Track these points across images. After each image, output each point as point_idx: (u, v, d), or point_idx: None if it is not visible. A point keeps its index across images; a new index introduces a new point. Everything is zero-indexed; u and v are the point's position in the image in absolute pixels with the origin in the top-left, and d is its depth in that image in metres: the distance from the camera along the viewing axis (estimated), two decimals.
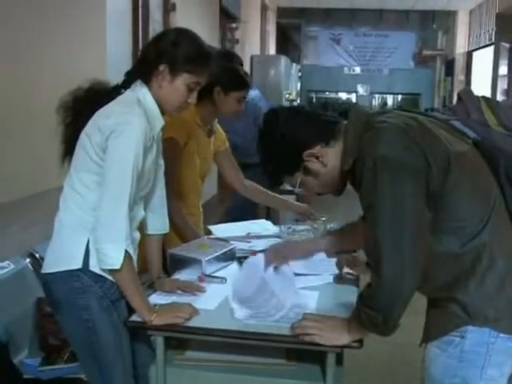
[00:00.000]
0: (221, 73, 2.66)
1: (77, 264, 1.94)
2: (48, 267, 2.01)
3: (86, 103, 2.01)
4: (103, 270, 1.94)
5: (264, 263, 2.08)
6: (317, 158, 1.82)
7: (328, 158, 1.82)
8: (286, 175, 1.90)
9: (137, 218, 2.08)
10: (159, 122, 2.05)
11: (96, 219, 1.89)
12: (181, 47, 1.98)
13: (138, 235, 2.11)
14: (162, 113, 2.06)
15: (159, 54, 1.98)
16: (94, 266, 1.94)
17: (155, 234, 2.27)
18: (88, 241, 1.94)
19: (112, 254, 1.87)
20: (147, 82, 2.01)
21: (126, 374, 2.05)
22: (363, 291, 1.71)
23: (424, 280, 1.65)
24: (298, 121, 1.85)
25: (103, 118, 1.92)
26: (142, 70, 2.03)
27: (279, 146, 1.85)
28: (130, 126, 1.87)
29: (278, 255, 2.15)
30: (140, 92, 2.01)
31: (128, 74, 2.09)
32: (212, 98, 2.73)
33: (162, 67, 1.98)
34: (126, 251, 1.87)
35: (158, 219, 2.25)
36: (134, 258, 1.99)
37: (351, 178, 1.79)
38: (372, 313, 1.64)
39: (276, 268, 2.10)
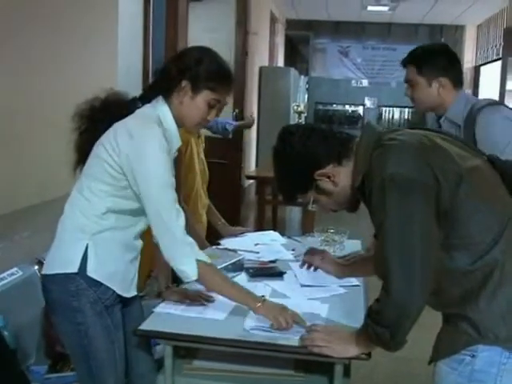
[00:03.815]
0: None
1: (73, 268, 1.97)
2: (47, 268, 2.05)
3: (103, 113, 2.04)
4: (99, 275, 1.98)
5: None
6: (328, 177, 1.82)
7: (340, 178, 1.82)
8: (299, 193, 1.91)
9: (138, 227, 2.10)
10: (177, 142, 2.09)
11: (160, 244, 1.95)
12: (203, 65, 2.02)
13: (140, 243, 2.14)
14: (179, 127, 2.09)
15: (182, 70, 2.02)
16: (90, 272, 1.98)
17: None
18: (87, 246, 1.98)
19: (184, 268, 1.94)
20: (168, 97, 2.04)
21: (118, 380, 2.07)
22: (372, 306, 1.70)
23: (434, 296, 1.65)
24: (312, 140, 1.85)
25: (125, 137, 1.94)
26: (164, 85, 2.05)
27: (292, 165, 1.86)
28: (152, 147, 1.91)
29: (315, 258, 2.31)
30: (161, 111, 2.04)
31: (148, 88, 2.12)
32: None
33: (184, 83, 2.01)
34: (198, 260, 1.94)
35: None
36: (136, 264, 2.10)
37: (361, 195, 1.79)
38: (379, 329, 1.64)
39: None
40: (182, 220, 1.94)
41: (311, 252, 2.36)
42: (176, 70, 2.03)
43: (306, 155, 1.83)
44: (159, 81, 2.10)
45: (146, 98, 2.09)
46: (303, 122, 7.97)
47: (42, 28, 3.18)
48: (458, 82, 2.63)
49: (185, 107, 2.04)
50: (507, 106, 2.67)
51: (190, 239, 1.96)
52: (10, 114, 2.93)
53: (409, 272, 1.56)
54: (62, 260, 2.01)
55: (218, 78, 2.03)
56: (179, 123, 2.07)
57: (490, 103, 2.55)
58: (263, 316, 1.95)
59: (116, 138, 1.95)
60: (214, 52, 2.12)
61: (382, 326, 1.63)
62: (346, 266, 2.30)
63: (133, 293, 2.14)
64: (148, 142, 1.91)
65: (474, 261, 1.62)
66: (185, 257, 1.94)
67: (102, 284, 2.00)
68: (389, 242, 1.60)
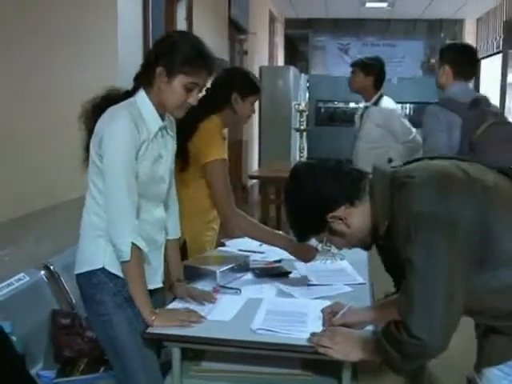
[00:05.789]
0: (235, 79, 2.75)
1: (98, 264, 2.05)
2: (76, 268, 2.12)
3: (102, 110, 2.06)
4: (116, 268, 2.03)
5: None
6: (341, 219, 1.79)
7: (352, 219, 1.79)
8: (312, 234, 1.89)
9: (156, 220, 2.15)
10: (155, 125, 2.09)
11: (108, 220, 1.99)
12: (178, 49, 2.03)
13: (161, 238, 2.19)
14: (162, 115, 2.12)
15: (158, 56, 2.04)
16: (107, 265, 2.04)
17: (168, 239, 2.30)
18: (106, 241, 2.03)
19: (122, 248, 1.96)
20: (150, 85, 2.07)
21: (149, 370, 2.08)
22: (392, 329, 1.65)
23: (482, 312, 1.66)
24: (323, 182, 1.80)
25: (99, 122, 2.03)
26: (144, 74, 2.10)
27: (303, 208, 1.83)
28: (115, 127, 1.96)
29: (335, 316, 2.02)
30: (138, 97, 2.08)
31: (135, 79, 2.16)
32: (231, 105, 2.75)
33: (159, 70, 2.03)
34: (133, 244, 1.96)
35: (168, 224, 2.28)
36: (156, 256, 2.13)
37: (386, 239, 1.77)
38: (393, 353, 1.64)
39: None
40: (135, 201, 1.99)
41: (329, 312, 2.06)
42: (153, 56, 2.06)
43: (317, 198, 1.79)
44: (141, 70, 2.13)
45: (135, 88, 2.12)
46: (305, 122, 7.89)
47: (43, 31, 3.19)
48: (457, 75, 3.26)
49: (163, 93, 2.05)
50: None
51: (137, 222, 2.00)
52: (12, 119, 2.93)
53: (430, 314, 1.55)
54: (86, 259, 2.08)
55: (192, 61, 2.02)
56: (161, 108, 2.09)
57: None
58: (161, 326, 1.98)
59: (96, 128, 2.02)
60: (192, 36, 2.15)
61: (397, 352, 1.62)
62: (377, 310, 2.04)
63: (154, 285, 2.16)
64: (112, 131, 1.96)
65: None
66: (124, 237, 1.96)
67: (119, 277, 2.04)
68: (413, 282, 1.59)
